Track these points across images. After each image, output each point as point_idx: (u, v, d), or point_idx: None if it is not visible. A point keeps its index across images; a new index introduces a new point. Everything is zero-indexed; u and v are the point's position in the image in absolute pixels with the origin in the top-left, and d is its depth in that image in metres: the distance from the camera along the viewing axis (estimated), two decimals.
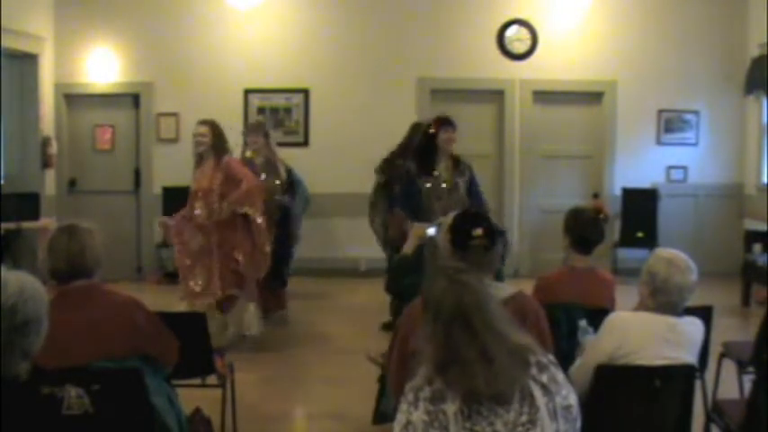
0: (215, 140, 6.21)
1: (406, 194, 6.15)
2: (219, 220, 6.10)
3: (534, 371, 2.15)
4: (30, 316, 2.29)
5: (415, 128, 6.94)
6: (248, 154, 7.23)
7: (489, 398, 2.09)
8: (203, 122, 6.33)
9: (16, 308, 2.26)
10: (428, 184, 6.05)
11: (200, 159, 6.28)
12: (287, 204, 7.33)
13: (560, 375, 2.20)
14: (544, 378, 2.15)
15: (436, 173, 6.09)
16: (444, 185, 6.08)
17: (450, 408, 2.10)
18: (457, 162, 6.20)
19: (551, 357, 2.24)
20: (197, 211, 6.17)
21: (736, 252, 8.99)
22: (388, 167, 6.93)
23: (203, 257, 6.12)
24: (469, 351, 2.09)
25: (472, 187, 6.20)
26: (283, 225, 7.30)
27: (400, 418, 2.17)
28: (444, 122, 6.18)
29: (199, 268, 6.11)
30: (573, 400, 2.19)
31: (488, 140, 9.65)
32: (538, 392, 2.13)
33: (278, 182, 7.27)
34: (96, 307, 2.98)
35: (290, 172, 7.71)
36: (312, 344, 6.61)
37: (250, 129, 7.49)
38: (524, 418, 2.10)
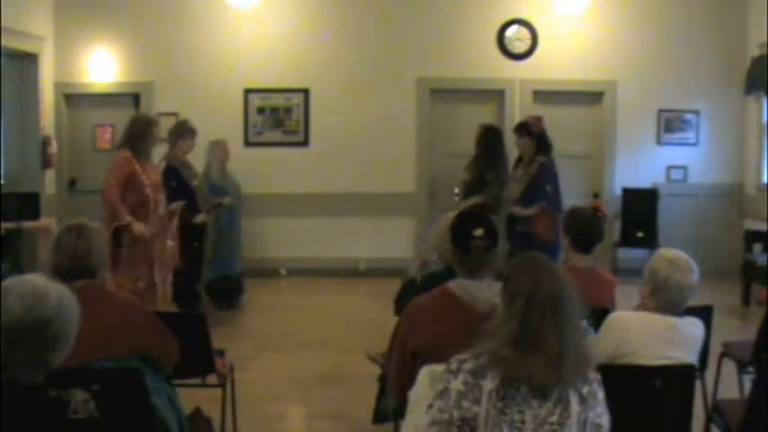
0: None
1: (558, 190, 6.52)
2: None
3: (578, 381, 2.18)
4: (61, 332, 2.28)
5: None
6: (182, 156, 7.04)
7: (529, 387, 2.11)
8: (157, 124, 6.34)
9: (51, 322, 2.25)
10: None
11: (145, 157, 6.02)
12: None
13: (600, 394, 2.23)
14: (584, 390, 2.18)
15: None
16: None
17: (488, 385, 2.13)
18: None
19: (597, 375, 2.26)
20: (161, 206, 6.00)
21: (736, 252, 8.99)
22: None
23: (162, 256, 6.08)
24: (549, 338, 2.14)
25: None
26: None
27: (438, 386, 2.20)
28: None
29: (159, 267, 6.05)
30: (605, 421, 2.22)
31: None
32: (574, 400, 2.15)
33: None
34: (97, 307, 2.98)
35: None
36: (312, 344, 6.61)
37: (189, 131, 7.04)
38: (554, 419, 2.12)
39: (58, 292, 2.30)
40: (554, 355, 2.12)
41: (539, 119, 6.91)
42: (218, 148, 7.86)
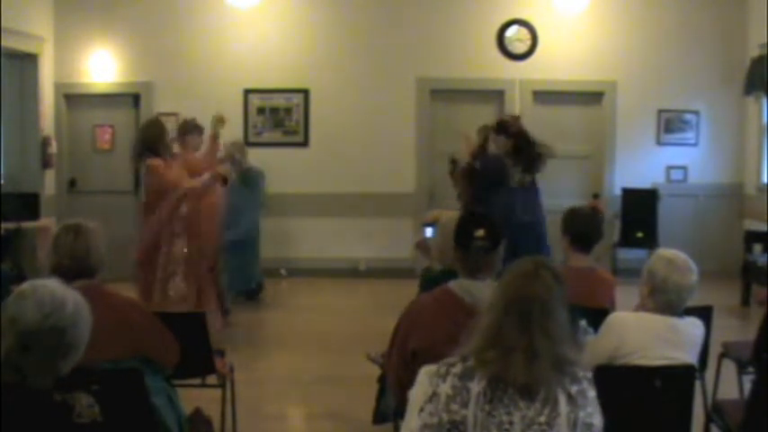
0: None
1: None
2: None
3: (566, 380, 2.16)
4: (74, 342, 2.28)
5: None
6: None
7: (515, 388, 2.11)
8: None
9: (66, 330, 2.25)
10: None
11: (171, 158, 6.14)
12: None
13: (591, 393, 2.21)
14: (573, 389, 2.16)
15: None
16: None
17: (475, 387, 2.12)
18: None
19: (588, 374, 2.25)
20: (183, 209, 6.05)
21: (736, 252, 8.99)
22: None
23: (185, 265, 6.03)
24: (517, 341, 2.12)
25: None
26: None
27: (427, 389, 2.20)
28: None
29: (180, 275, 6.01)
30: (597, 421, 2.19)
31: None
32: (563, 400, 2.14)
33: None
34: (96, 308, 2.96)
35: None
36: (312, 344, 6.61)
37: (195, 128, 6.99)
38: (543, 419, 2.11)
39: (74, 300, 2.30)
40: (528, 358, 2.11)
41: (516, 117, 6.82)
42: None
